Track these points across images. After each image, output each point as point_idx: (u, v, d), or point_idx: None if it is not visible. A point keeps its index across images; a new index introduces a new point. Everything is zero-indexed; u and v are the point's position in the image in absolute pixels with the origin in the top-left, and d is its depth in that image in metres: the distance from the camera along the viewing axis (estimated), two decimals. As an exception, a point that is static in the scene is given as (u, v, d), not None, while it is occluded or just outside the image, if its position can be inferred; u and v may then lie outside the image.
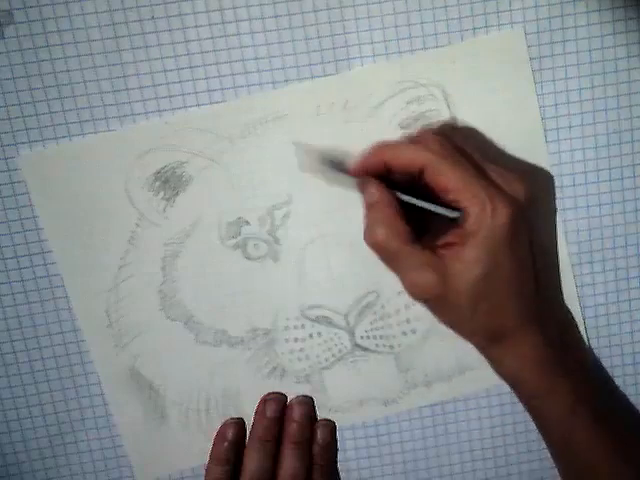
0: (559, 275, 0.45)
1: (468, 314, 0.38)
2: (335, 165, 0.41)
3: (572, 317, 0.46)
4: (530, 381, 0.39)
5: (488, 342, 0.39)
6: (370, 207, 0.38)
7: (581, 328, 0.46)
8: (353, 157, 0.40)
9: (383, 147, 0.39)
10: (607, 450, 0.39)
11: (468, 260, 0.37)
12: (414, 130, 0.43)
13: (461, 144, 0.39)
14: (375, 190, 0.38)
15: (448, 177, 0.37)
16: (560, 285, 0.45)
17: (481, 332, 0.39)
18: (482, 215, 0.36)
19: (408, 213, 0.38)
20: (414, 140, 0.39)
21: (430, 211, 0.38)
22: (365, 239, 0.38)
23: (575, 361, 0.40)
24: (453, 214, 0.37)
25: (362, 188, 0.39)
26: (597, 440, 0.39)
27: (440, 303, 0.38)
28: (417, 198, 0.38)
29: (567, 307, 0.46)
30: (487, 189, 0.37)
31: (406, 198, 0.38)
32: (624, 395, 0.48)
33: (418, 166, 0.37)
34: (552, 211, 0.45)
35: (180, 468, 0.47)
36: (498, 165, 0.38)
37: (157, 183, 0.43)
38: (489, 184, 0.37)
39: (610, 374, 0.47)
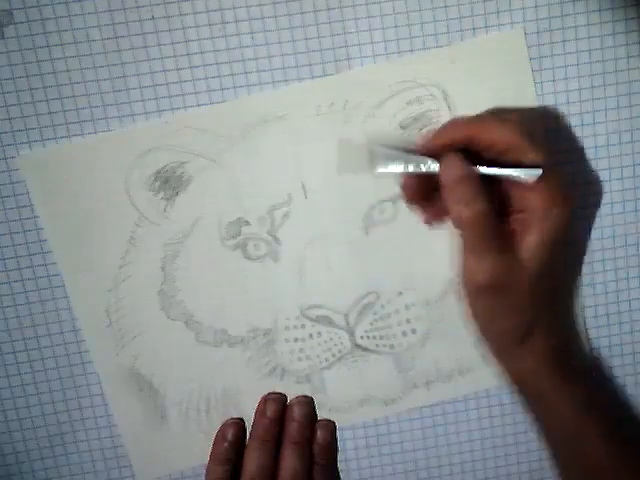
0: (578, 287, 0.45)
1: (518, 306, 0.37)
2: (391, 153, 0.39)
3: (579, 324, 0.46)
4: (547, 378, 0.38)
5: (508, 343, 0.39)
6: (459, 181, 0.36)
7: (581, 328, 0.46)
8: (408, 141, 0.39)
9: (467, 122, 0.38)
10: (618, 454, 0.38)
11: (532, 250, 0.36)
12: (414, 130, 0.43)
13: (541, 127, 0.38)
14: (465, 164, 0.36)
15: (531, 161, 0.36)
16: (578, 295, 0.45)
17: (508, 331, 0.38)
18: (550, 207, 0.36)
19: None
20: (500, 118, 0.37)
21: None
22: (458, 215, 0.36)
23: (587, 366, 0.40)
24: (536, 172, 0.36)
25: (444, 162, 0.37)
26: (609, 442, 0.38)
27: (497, 293, 0.37)
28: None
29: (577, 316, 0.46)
30: (558, 182, 0.36)
31: (486, 171, 0.36)
32: (632, 404, 0.47)
33: (504, 145, 0.36)
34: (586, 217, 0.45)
35: (180, 468, 0.47)
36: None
37: (157, 183, 0.43)
38: (559, 177, 0.37)
39: (610, 374, 0.47)
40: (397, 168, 0.39)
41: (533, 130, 0.37)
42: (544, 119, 0.42)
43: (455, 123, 0.39)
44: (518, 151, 0.36)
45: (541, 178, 0.36)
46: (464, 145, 0.37)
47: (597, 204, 0.45)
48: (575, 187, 0.44)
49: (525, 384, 0.40)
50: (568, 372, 0.39)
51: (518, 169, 0.36)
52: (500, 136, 0.36)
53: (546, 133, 0.38)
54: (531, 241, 0.36)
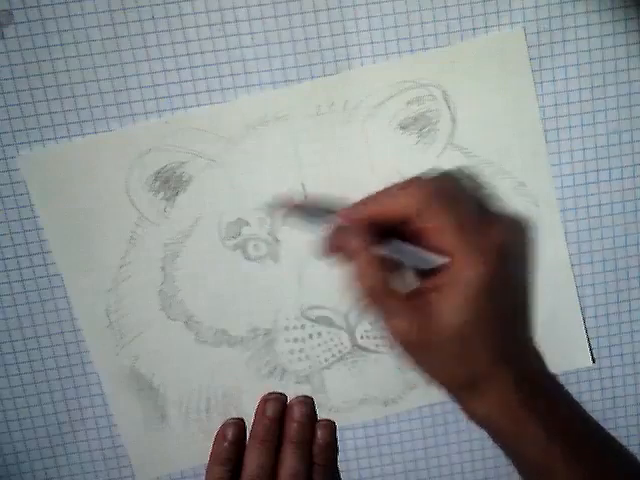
0: (532, 314, 0.45)
1: (447, 360, 0.38)
2: (317, 210, 0.40)
3: (539, 351, 0.46)
4: (500, 424, 0.39)
5: (460, 389, 0.39)
6: (355, 253, 0.38)
7: (581, 328, 0.46)
8: (336, 201, 0.39)
9: (373, 199, 0.38)
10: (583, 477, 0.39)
11: (449, 307, 0.36)
12: (414, 130, 0.43)
13: (449, 187, 0.38)
14: (360, 237, 0.38)
15: (438, 221, 0.36)
16: (532, 321, 0.45)
17: (456, 379, 0.39)
18: (461, 265, 0.36)
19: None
20: (404, 186, 0.37)
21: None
22: (354, 285, 0.38)
23: (545, 398, 0.40)
24: (441, 261, 0.37)
25: (344, 236, 0.39)
26: (574, 475, 0.39)
27: (421, 349, 0.38)
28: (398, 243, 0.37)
29: (535, 341, 0.46)
30: (468, 237, 0.36)
31: (385, 251, 0.37)
32: (595, 421, 0.47)
33: (405, 215, 0.36)
34: (531, 250, 0.44)
35: (180, 468, 0.47)
36: (481, 209, 0.38)
37: (157, 183, 0.43)
38: (470, 232, 0.37)
39: (610, 375, 0.47)
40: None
41: (439, 191, 0.36)
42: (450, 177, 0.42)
43: (368, 200, 0.39)
44: (421, 217, 0.36)
45: (444, 261, 0.36)
46: (379, 217, 0.37)
47: (597, 204, 0.45)
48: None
49: (481, 425, 0.40)
50: (525, 413, 0.38)
51: (418, 256, 0.36)
52: (397, 207, 0.37)
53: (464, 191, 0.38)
54: (445, 301, 0.36)
